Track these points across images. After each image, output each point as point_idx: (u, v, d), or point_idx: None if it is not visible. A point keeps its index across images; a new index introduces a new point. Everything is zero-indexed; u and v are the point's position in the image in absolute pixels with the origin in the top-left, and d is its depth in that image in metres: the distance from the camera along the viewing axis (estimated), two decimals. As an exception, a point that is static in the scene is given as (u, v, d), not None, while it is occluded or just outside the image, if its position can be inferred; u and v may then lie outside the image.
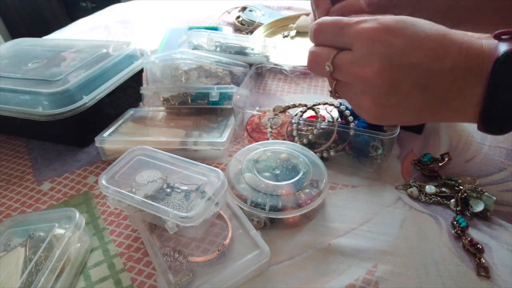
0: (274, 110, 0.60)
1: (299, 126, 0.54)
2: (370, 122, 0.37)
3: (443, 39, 0.31)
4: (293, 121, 0.53)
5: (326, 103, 0.56)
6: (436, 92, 0.32)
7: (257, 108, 0.58)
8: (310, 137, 0.52)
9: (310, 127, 0.52)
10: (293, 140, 0.53)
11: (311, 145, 0.52)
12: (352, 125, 0.50)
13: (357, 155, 0.51)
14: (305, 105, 0.58)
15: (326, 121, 0.55)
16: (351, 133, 0.49)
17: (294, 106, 0.59)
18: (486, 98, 0.30)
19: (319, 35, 0.36)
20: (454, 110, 0.33)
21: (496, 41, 0.31)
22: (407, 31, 0.31)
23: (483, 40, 0.31)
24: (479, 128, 0.32)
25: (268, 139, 0.55)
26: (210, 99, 0.58)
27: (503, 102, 0.30)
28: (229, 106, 0.59)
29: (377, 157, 0.50)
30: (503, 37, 0.31)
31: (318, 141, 0.52)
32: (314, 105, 0.57)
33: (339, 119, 0.55)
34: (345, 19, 0.34)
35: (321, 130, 0.51)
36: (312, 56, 0.37)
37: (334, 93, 0.38)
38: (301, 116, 0.57)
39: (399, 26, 0.31)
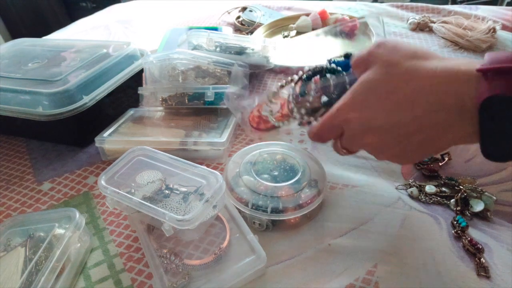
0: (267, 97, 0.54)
1: (295, 100, 0.48)
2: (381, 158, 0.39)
3: (406, 88, 0.32)
4: (289, 98, 0.49)
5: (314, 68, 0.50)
6: (423, 135, 0.33)
7: (248, 103, 0.55)
8: (307, 105, 0.47)
9: (304, 96, 0.48)
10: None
11: (315, 112, 0.47)
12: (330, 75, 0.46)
13: None
14: (292, 80, 0.51)
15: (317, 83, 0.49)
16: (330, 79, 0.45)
17: (283, 86, 0.52)
18: (480, 138, 0.30)
19: (323, 137, 0.41)
20: (454, 140, 0.33)
21: (477, 76, 0.29)
22: (370, 100, 0.34)
23: (462, 74, 0.30)
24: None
25: (275, 126, 0.51)
26: (206, 99, 0.58)
27: (499, 142, 0.29)
28: (224, 106, 0.59)
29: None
30: (488, 74, 0.29)
31: (319, 106, 0.47)
32: (301, 77, 0.50)
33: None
34: (328, 115, 0.38)
35: (316, 91, 0.46)
36: (335, 149, 0.42)
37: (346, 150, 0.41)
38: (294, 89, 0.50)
39: (362, 100, 0.34)
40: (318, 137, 0.41)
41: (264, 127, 0.54)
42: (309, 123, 0.46)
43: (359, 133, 0.36)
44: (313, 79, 0.50)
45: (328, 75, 0.47)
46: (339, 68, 0.48)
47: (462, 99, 0.29)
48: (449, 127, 0.31)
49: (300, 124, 0.47)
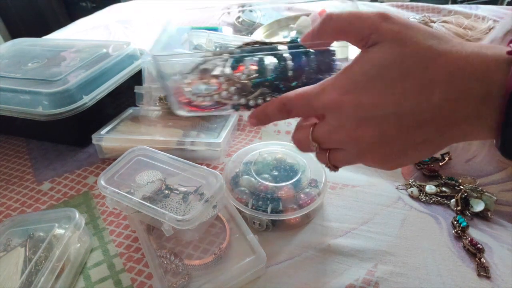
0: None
1: (226, 76, 0.39)
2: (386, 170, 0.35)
3: (424, 75, 0.27)
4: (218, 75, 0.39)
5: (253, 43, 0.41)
6: (435, 125, 0.28)
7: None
8: (237, 85, 0.38)
9: (236, 74, 0.39)
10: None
11: (246, 91, 0.38)
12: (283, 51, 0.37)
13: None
14: (220, 53, 0.40)
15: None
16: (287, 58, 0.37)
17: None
18: (502, 131, 0.26)
19: (290, 113, 0.34)
20: (465, 134, 0.29)
21: (507, 60, 0.26)
22: (375, 83, 0.29)
23: (489, 58, 0.26)
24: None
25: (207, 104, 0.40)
26: None
27: None
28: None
29: None
30: None
31: (253, 83, 0.38)
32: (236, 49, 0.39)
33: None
34: (308, 91, 0.32)
35: (251, 71, 0.38)
36: (295, 141, 0.35)
37: (332, 167, 0.35)
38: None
39: (363, 82, 0.29)
40: (264, 115, 0.34)
41: (198, 106, 0.41)
42: (248, 107, 0.38)
43: (351, 123, 0.30)
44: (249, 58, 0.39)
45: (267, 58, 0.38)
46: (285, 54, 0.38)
47: (488, 86, 0.26)
48: (465, 119, 0.27)
49: (236, 108, 0.39)
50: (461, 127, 0.28)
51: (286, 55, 0.38)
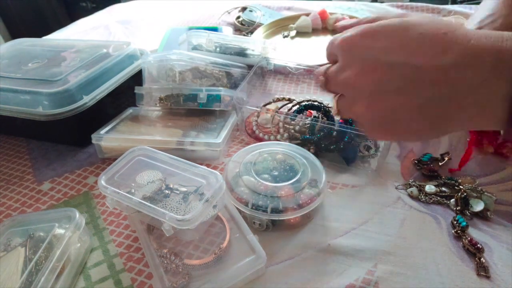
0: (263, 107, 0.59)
1: (285, 120, 0.54)
2: (374, 136, 0.35)
3: (443, 37, 0.28)
4: (279, 117, 0.54)
5: (313, 100, 0.57)
6: (439, 92, 0.28)
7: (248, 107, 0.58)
8: (291, 131, 0.53)
9: (293, 122, 0.54)
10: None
11: (294, 140, 0.54)
12: (337, 124, 0.51)
13: (345, 159, 0.51)
14: (289, 100, 0.59)
15: (312, 116, 0.55)
16: (335, 129, 0.50)
17: (278, 100, 0.60)
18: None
19: (329, 57, 0.37)
20: (471, 112, 0.28)
21: None
22: (392, 33, 0.30)
23: (503, 31, 0.27)
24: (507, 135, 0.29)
25: (263, 138, 0.55)
26: (198, 101, 0.58)
27: None
28: (218, 109, 0.59)
29: (369, 157, 0.50)
30: None
31: (302, 137, 0.53)
32: (300, 102, 0.58)
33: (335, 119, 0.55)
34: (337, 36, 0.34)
35: (305, 124, 0.53)
36: (317, 73, 0.38)
37: (338, 111, 0.37)
38: (289, 110, 0.57)
39: (382, 29, 0.30)
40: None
41: (256, 136, 0.57)
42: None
43: (356, 65, 0.31)
44: (307, 111, 0.57)
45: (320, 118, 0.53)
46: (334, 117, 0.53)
47: (500, 51, 0.26)
48: (474, 88, 0.27)
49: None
50: (469, 99, 0.28)
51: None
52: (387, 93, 0.30)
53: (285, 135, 0.53)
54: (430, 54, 0.28)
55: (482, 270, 0.37)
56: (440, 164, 0.51)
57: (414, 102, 0.29)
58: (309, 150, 0.49)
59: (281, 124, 0.55)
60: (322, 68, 0.37)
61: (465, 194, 0.45)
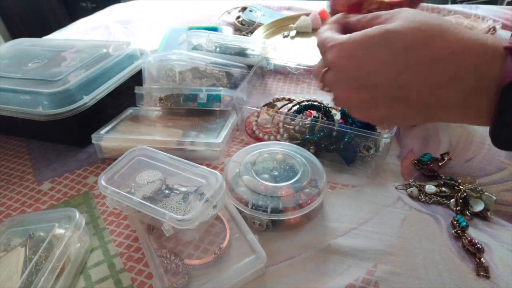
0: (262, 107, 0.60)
1: (285, 121, 0.55)
2: (364, 120, 0.36)
3: (425, 49, 0.29)
4: (279, 117, 0.55)
5: (313, 100, 0.58)
6: (424, 103, 0.30)
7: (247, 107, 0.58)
8: (291, 131, 0.53)
9: (293, 122, 0.54)
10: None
11: (294, 140, 0.54)
12: (337, 123, 0.51)
13: (345, 159, 0.52)
14: (289, 99, 0.59)
15: (312, 117, 0.55)
16: (334, 128, 0.50)
17: (278, 100, 0.61)
18: (494, 121, 0.27)
19: (319, 48, 0.38)
20: (449, 117, 0.31)
21: (502, 54, 0.27)
22: (366, 50, 0.31)
23: (488, 49, 0.27)
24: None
25: (263, 138, 0.55)
26: (198, 101, 0.58)
27: None
28: (217, 109, 0.59)
29: (368, 157, 0.50)
30: None
31: (301, 137, 0.54)
32: (300, 102, 0.58)
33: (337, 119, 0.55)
34: (328, 38, 0.35)
35: (305, 124, 0.53)
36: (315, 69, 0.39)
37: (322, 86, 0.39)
38: (289, 110, 0.57)
39: (365, 48, 0.31)
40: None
41: (256, 136, 0.57)
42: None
43: (346, 85, 0.33)
44: (307, 111, 0.57)
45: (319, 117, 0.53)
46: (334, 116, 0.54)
47: (482, 76, 0.27)
48: (453, 106, 0.29)
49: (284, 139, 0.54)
50: (449, 111, 0.30)
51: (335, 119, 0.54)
52: (377, 107, 0.33)
53: (285, 135, 0.53)
54: (412, 73, 0.29)
55: (482, 270, 0.37)
56: (440, 164, 0.51)
57: (401, 107, 0.31)
58: (309, 150, 0.49)
59: (281, 124, 0.55)
60: (317, 70, 0.38)
61: (465, 194, 0.45)
